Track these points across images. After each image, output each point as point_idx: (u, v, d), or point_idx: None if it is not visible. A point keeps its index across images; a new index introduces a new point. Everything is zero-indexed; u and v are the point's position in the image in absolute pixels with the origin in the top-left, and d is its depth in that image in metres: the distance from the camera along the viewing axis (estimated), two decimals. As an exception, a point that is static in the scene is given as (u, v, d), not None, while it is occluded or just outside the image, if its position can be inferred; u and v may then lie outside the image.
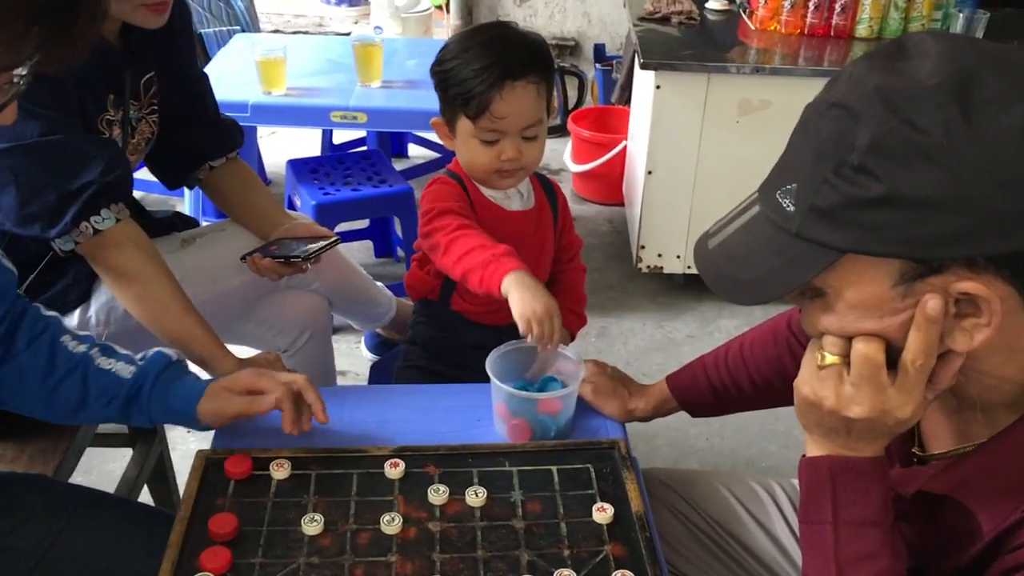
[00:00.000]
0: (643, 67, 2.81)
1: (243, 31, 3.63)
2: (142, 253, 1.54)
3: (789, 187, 0.84)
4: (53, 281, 1.64)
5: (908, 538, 1.00)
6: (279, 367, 1.52)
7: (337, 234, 1.83)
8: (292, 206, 2.87)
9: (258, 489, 1.20)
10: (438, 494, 1.18)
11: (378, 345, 2.63)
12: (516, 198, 1.58)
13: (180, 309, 1.53)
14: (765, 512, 1.33)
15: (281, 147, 3.98)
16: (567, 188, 3.79)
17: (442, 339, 1.64)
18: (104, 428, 1.78)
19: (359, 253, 3.26)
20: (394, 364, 1.74)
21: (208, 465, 1.23)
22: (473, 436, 1.33)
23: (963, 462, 0.91)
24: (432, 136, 3.45)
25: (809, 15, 2.99)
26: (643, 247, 3.07)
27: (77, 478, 1.60)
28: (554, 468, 1.24)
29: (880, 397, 0.86)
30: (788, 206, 0.84)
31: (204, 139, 1.80)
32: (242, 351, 1.66)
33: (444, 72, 1.46)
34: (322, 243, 1.69)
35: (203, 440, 1.33)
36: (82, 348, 1.27)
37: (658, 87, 2.81)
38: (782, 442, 2.50)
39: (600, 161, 3.56)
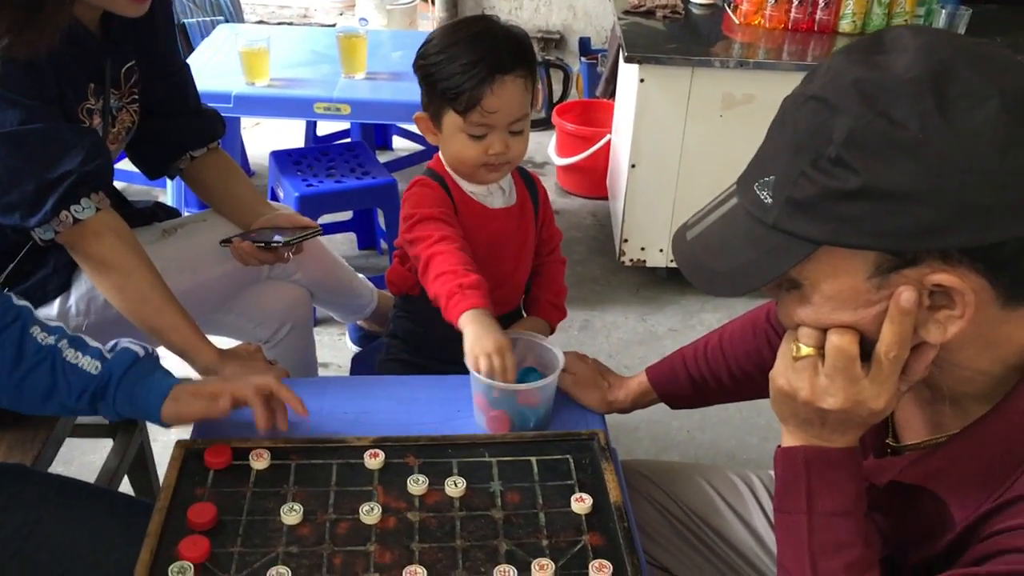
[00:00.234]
0: (627, 60, 2.82)
1: (227, 21, 3.61)
2: (122, 242, 1.53)
3: (767, 179, 0.85)
4: (33, 270, 1.63)
5: (881, 528, 1.01)
6: (259, 358, 1.51)
7: (319, 224, 1.82)
8: (275, 198, 2.86)
9: (237, 479, 1.20)
10: (418, 484, 1.18)
11: (362, 338, 2.63)
12: (498, 195, 1.58)
13: (160, 299, 1.53)
14: (743, 503, 1.34)
15: (265, 139, 3.96)
16: (551, 181, 3.80)
17: (423, 333, 1.64)
18: (84, 419, 1.77)
19: (342, 245, 3.26)
20: (375, 356, 1.74)
21: (187, 455, 1.23)
22: (453, 427, 1.33)
23: (935, 453, 0.92)
24: (416, 128, 3.45)
25: (793, 10, 3.01)
26: (626, 240, 3.08)
27: (57, 469, 1.60)
28: (533, 459, 1.25)
29: (854, 388, 0.87)
30: (766, 198, 0.85)
31: (185, 129, 1.80)
32: (223, 342, 1.66)
33: (430, 67, 1.45)
34: (304, 231, 1.69)
35: (184, 431, 1.32)
36: (51, 340, 1.26)
37: (642, 80, 2.81)
38: (762, 435, 2.52)
39: (584, 155, 3.56)
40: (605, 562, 1.08)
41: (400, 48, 3.12)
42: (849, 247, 0.81)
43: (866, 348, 0.86)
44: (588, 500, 1.17)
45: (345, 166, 2.90)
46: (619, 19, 3.13)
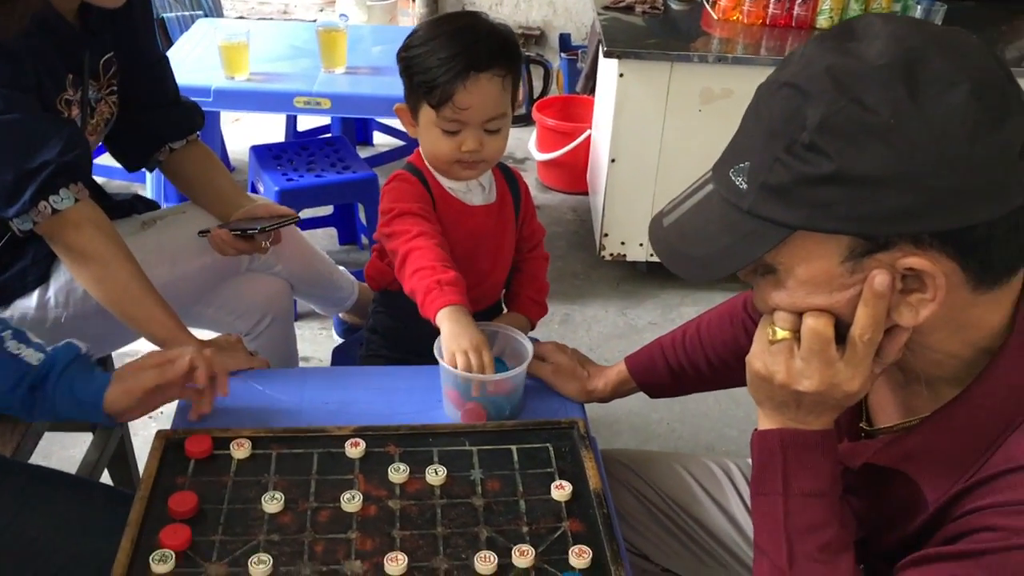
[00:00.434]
0: (607, 55, 2.83)
1: (206, 16, 3.59)
2: (101, 234, 1.52)
3: (742, 165, 0.86)
4: (11, 262, 1.62)
5: (856, 509, 1.02)
6: (240, 349, 1.51)
7: (296, 212, 1.82)
8: (255, 192, 2.86)
9: (218, 468, 1.20)
10: (398, 473, 1.19)
11: (347, 331, 2.63)
12: (478, 192, 1.58)
13: (140, 290, 1.52)
14: (720, 490, 1.35)
15: (245, 134, 3.95)
16: (532, 177, 3.80)
17: (401, 329, 1.65)
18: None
19: (323, 240, 3.26)
20: (356, 348, 1.74)
21: (168, 444, 1.23)
22: (434, 417, 1.34)
23: (908, 436, 0.93)
24: (397, 124, 3.44)
25: (771, 5, 3.03)
26: (606, 235, 3.09)
27: (37, 463, 1.59)
28: (513, 447, 1.26)
29: (829, 371, 0.88)
30: (741, 184, 0.86)
31: (164, 121, 1.79)
32: (204, 335, 1.66)
33: (410, 59, 1.46)
34: (280, 219, 1.69)
35: (164, 423, 1.32)
36: None
37: (621, 75, 2.82)
38: (742, 427, 2.53)
39: (565, 150, 3.57)
40: (585, 548, 1.09)
41: (380, 43, 3.11)
42: (823, 232, 0.82)
43: (840, 331, 0.88)
44: (568, 487, 1.18)
45: (325, 160, 2.90)
46: (599, 15, 3.15)
